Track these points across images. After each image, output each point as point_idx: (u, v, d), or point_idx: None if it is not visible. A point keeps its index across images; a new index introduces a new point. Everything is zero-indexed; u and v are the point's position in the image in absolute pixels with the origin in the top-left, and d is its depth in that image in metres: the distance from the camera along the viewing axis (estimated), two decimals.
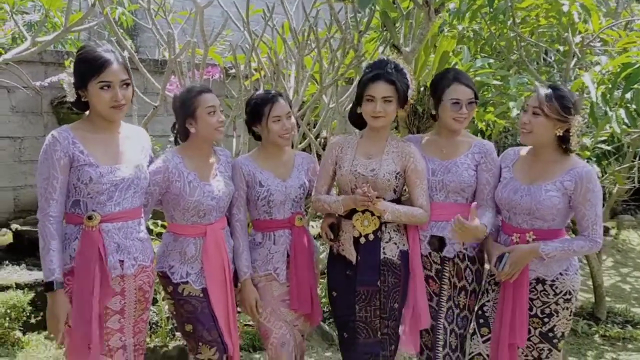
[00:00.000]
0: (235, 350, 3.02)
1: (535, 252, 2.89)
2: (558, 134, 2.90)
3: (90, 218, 2.60)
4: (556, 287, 2.96)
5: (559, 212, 2.93)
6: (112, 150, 2.70)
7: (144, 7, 4.41)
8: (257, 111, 3.10)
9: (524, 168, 3.06)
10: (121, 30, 4.47)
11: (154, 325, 4.19)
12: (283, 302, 3.15)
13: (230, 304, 3.00)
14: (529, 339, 3.01)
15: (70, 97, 2.69)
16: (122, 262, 2.69)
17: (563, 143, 2.94)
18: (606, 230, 8.43)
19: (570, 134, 2.91)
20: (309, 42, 4.56)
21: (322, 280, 4.03)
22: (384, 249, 3.03)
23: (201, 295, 2.95)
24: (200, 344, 2.93)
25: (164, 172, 2.88)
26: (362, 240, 3.03)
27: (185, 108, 2.91)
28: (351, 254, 3.05)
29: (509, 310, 2.97)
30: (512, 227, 3.03)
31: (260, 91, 3.33)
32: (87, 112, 2.75)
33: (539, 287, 2.98)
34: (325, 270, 3.30)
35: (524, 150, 3.15)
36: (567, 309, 2.98)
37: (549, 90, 2.90)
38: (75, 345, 2.65)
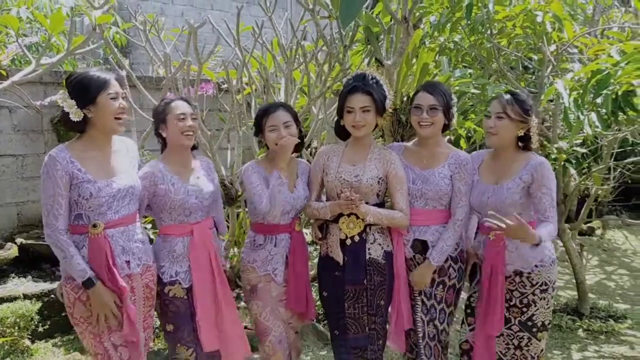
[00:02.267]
0: (235, 340, 3.18)
1: (533, 239, 2.99)
2: (519, 135, 3.18)
3: (95, 226, 2.82)
4: (532, 279, 3.18)
5: (523, 206, 3.17)
6: (106, 165, 2.93)
7: (140, 28, 4.63)
8: (257, 123, 3.34)
9: (488, 169, 3.31)
10: (115, 49, 4.68)
11: (156, 330, 4.36)
12: (280, 302, 3.34)
13: (221, 300, 3.15)
14: (509, 328, 3.23)
15: (76, 118, 2.85)
16: (128, 262, 2.92)
17: (523, 142, 3.21)
18: (592, 231, 8.66)
19: (531, 133, 3.19)
20: (297, 56, 4.78)
21: (314, 284, 4.23)
22: (369, 249, 3.23)
23: (185, 297, 3.12)
24: (178, 345, 3.13)
25: (150, 177, 3.08)
26: (348, 242, 3.23)
27: (157, 116, 3.16)
28: (338, 255, 3.25)
29: (484, 304, 3.20)
30: (487, 227, 3.21)
31: (264, 104, 3.56)
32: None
33: (517, 279, 3.20)
34: (317, 274, 3.49)
35: (485, 153, 3.41)
36: (544, 299, 3.19)
37: (509, 96, 3.19)
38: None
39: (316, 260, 3.70)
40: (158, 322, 4.35)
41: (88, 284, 2.79)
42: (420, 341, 3.30)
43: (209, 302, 3.12)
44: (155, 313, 3.18)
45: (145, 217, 3.43)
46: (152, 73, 7.15)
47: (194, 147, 3.28)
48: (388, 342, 3.34)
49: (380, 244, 3.26)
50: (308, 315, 3.47)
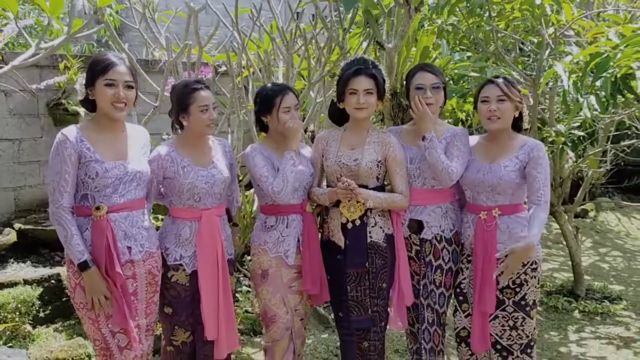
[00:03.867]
0: (226, 333, 3.15)
1: (532, 247, 3.10)
2: (515, 116, 3.25)
3: (98, 209, 2.82)
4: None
5: (518, 186, 3.22)
6: (116, 148, 2.93)
7: (138, 10, 4.58)
8: (268, 102, 3.28)
9: (483, 149, 3.35)
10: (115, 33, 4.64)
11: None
12: (290, 289, 3.34)
13: (222, 288, 3.14)
14: (504, 309, 3.26)
15: (80, 96, 2.95)
16: (129, 248, 2.91)
17: (517, 123, 3.29)
18: (585, 213, 8.73)
19: (523, 113, 3.27)
20: (295, 40, 4.76)
21: None
22: (370, 233, 3.25)
23: (187, 284, 3.13)
24: (176, 327, 3.15)
25: (157, 160, 3.09)
26: (350, 225, 3.25)
27: (180, 103, 3.12)
28: (340, 239, 3.27)
29: (479, 282, 3.24)
30: (477, 206, 3.29)
31: (271, 84, 3.54)
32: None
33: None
34: None
35: (479, 137, 3.46)
36: (535, 277, 3.24)
37: (505, 79, 3.25)
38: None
39: None
40: None
41: (83, 266, 2.79)
42: (420, 325, 3.35)
43: (213, 290, 3.12)
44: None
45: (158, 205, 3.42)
46: (146, 56, 7.09)
47: None
48: (389, 323, 3.37)
49: (381, 227, 3.28)
50: (322, 297, 3.42)
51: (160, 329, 3.32)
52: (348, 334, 3.33)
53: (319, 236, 3.43)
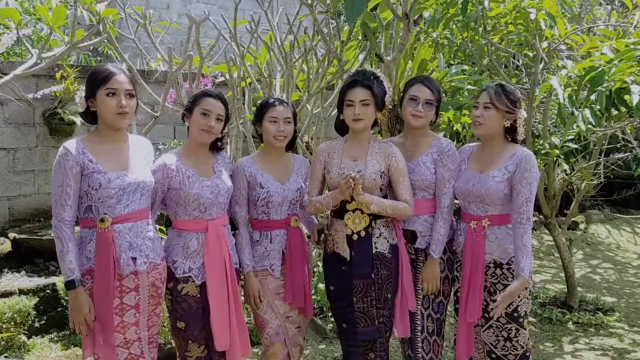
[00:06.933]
0: (238, 341, 3.15)
1: (525, 282, 3.11)
2: (506, 125, 3.24)
3: (102, 220, 2.82)
4: (513, 270, 3.22)
5: (507, 197, 3.22)
6: (119, 158, 2.93)
7: (137, 22, 4.59)
8: (259, 111, 3.37)
9: (476, 159, 3.37)
10: (105, 41, 4.64)
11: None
12: (278, 295, 3.36)
13: (231, 298, 3.14)
14: (497, 320, 3.26)
15: (80, 108, 2.94)
16: (134, 259, 2.90)
17: (510, 133, 3.28)
18: (576, 225, 8.80)
19: (517, 124, 3.25)
20: (293, 52, 4.79)
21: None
22: (375, 243, 3.26)
23: (198, 295, 3.12)
24: (190, 342, 3.13)
25: (163, 170, 3.08)
26: (355, 237, 3.26)
27: (189, 103, 3.17)
28: (345, 251, 3.27)
29: (465, 290, 3.27)
30: (469, 215, 3.32)
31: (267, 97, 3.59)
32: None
33: (498, 272, 3.25)
34: (323, 269, 3.52)
35: (475, 146, 3.48)
36: (526, 288, 3.22)
37: (497, 87, 3.25)
38: (95, 339, 2.86)
39: (314, 253, 3.73)
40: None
41: (70, 284, 2.78)
42: (419, 334, 3.36)
43: (222, 300, 3.11)
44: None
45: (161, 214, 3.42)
46: (140, 66, 7.08)
47: (218, 148, 3.30)
48: (398, 332, 3.37)
49: (386, 238, 3.29)
50: (307, 311, 3.47)
51: (162, 337, 3.30)
52: (354, 345, 3.32)
53: (323, 249, 3.46)
